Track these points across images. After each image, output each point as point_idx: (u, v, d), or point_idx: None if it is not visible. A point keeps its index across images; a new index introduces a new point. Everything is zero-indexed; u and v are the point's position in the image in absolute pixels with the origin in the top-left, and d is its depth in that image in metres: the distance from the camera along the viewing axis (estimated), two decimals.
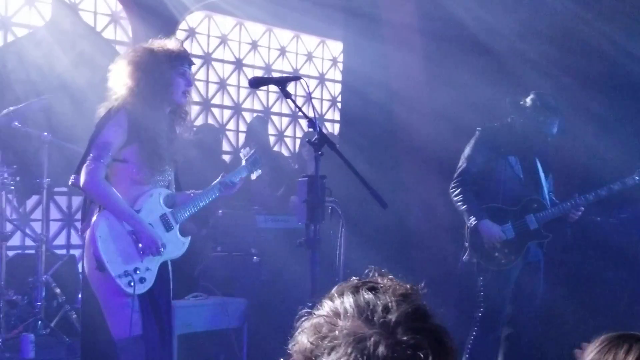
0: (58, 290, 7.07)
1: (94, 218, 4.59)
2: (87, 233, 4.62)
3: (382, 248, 7.10)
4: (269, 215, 7.80)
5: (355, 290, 1.53)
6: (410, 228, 7.24)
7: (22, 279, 7.14)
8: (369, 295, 1.51)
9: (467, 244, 5.97)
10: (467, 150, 6.03)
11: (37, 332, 6.77)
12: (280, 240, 7.34)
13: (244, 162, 5.20)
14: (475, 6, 6.93)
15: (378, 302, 1.49)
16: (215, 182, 5.04)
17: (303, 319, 1.53)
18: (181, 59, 4.76)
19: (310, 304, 1.59)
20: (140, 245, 4.61)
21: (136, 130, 4.60)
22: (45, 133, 7.07)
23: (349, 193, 5.88)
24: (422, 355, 1.42)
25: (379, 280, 1.57)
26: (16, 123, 7.06)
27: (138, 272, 4.60)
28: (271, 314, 6.66)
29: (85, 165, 4.54)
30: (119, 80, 4.66)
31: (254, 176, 5.25)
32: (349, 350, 1.44)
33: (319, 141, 4.65)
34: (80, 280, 5.62)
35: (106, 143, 4.54)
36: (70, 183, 4.67)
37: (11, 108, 7.04)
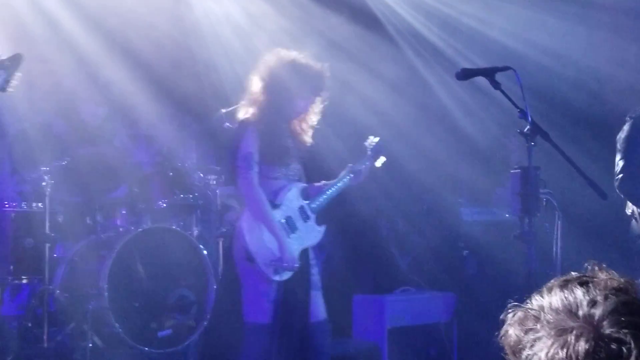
0: None
1: (243, 212, 5.11)
2: (237, 225, 5.11)
3: (600, 240, 6.85)
4: (474, 207, 7.71)
5: (565, 285, 1.50)
6: (627, 219, 6.94)
7: None
8: (577, 290, 1.47)
9: None
10: (624, 142, 5.71)
11: None
12: (487, 232, 7.24)
13: (368, 152, 5.52)
14: None
15: (586, 296, 1.46)
16: (343, 172, 5.41)
17: (511, 312, 1.53)
18: (310, 86, 5.15)
19: (517, 297, 1.58)
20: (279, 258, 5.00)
21: (263, 136, 5.05)
22: None
23: (561, 184, 5.73)
24: (625, 351, 1.36)
25: (594, 274, 1.52)
26: (228, 124, 7.36)
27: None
28: (481, 308, 6.58)
29: (240, 176, 5.06)
30: (253, 89, 5.19)
31: (378, 163, 5.56)
32: (550, 343, 1.42)
33: (531, 131, 4.55)
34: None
35: (249, 153, 5.03)
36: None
37: (222, 110, 7.33)
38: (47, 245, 6.40)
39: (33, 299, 6.43)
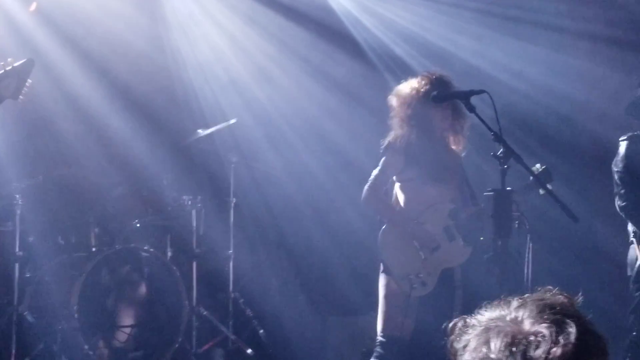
0: (246, 306, 7.22)
1: (382, 228, 5.24)
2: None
3: (570, 262, 6.88)
4: None
5: (506, 300, 1.63)
6: (599, 240, 6.97)
7: (212, 295, 7.39)
8: (514, 302, 1.61)
9: None
10: (621, 162, 5.66)
11: (227, 346, 6.98)
12: None
13: (530, 179, 5.14)
14: None
15: (518, 303, 1.59)
16: None
17: (454, 324, 1.66)
18: (432, 93, 5.08)
19: None
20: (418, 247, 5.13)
21: (413, 153, 5.17)
22: (232, 153, 7.31)
23: (533, 206, 5.73)
24: (540, 340, 1.51)
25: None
26: (204, 145, 7.36)
27: (420, 275, 5.07)
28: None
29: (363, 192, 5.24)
30: (396, 114, 5.28)
31: (542, 192, 5.15)
32: (475, 343, 1.57)
33: (504, 154, 4.57)
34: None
35: (384, 166, 5.22)
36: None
37: (199, 131, 7.31)
38: (17, 265, 6.31)
39: (1, 319, 6.33)
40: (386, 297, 5.17)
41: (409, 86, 5.28)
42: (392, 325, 5.11)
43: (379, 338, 5.18)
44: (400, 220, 5.23)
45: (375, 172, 5.24)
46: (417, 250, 5.15)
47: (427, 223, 5.20)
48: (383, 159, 5.25)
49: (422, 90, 5.19)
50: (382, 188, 5.28)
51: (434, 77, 5.26)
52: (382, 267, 5.20)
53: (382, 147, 5.30)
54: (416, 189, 5.24)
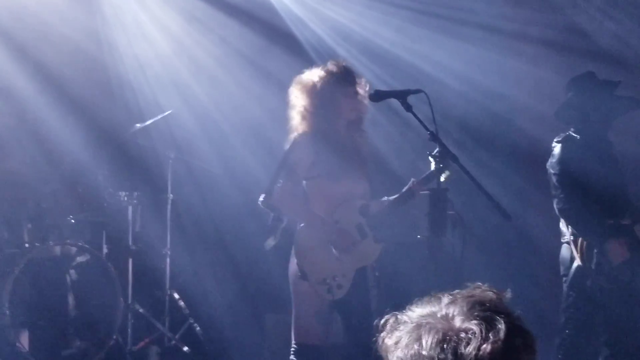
0: (182, 304, 7.19)
1: (297, 231, 5.02)
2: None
3: (504, 260, 6.98)
4: None
5: (436, 296, 1.68)
6: (534, 240, 7.08)
7: (148, 292, 7.32)
8: (445, 298, 1.65)
9: None
10: (557, 165, 5.70)
11: (163, 344, 6.93)
12: (397, 254, 7.27)
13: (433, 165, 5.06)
14: (602, 16, 6.77)
15: (449, 300, 1.64)
16: (405, 188, 5.08)
17: (386, 320, 1.70)
18: (342, 80, 5.02)
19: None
20: (333, 248, 4.94)
21: (321, 146, 4.95)
22: (170, 149, 7.25)
23: (469, 205, 5.80)
24: (470, 337, 1.55)
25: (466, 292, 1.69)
26: (142, 140, 7.28)
27: (336, 278, 4.90)
28: None
29: (275, 185, 4.95)
30: (297, 107, 5.06)
31: (442, 178, 4.98)
32: (407, 339, 1.60)
33: (440, 154, 4.61)
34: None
35: (293, 164, 4.96)
36: (259, 202, 4.95)
37: (137, 125, 7.24)
38: None
39: None
40: (301, 303, 4.99)
41: (317, 75, 5.07)
42: (307, 332, 4.96)
43: (294, 346, 5.00)
44: (316, 220, 5.00)
45: (285, 170, 4.98)
46: (333, 251, 4.96)
47: (340, 222, 5.00)
48: (292, 155, 4.99)
49: (331, 78, 5.03)
50: (295, 188, 5.03)
51: (342, 65, 5.11)
52: (298, 272, 4.95)
53: (289, 143, 5.06)
54: (325, 186, 5.02)
